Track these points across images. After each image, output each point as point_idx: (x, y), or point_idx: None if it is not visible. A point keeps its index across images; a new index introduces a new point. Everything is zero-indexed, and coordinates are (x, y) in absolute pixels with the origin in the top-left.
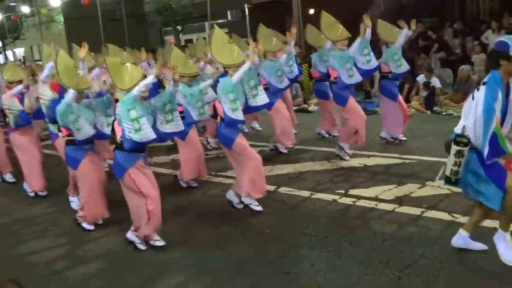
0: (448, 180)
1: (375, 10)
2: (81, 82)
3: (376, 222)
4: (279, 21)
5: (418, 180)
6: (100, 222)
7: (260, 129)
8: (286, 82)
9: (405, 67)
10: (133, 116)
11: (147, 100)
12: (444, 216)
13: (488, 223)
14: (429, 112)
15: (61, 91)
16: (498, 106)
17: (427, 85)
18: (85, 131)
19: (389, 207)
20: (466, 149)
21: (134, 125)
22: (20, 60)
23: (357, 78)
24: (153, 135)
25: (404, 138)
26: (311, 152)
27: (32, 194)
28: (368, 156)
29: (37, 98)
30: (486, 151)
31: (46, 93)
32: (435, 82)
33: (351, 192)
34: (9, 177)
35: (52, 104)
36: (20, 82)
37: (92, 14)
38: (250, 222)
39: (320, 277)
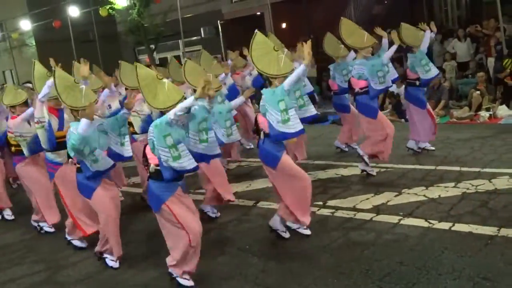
0: None
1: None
2: (87, 99)
3: (355, 232)
4: (252, 36)
5: (394, 188)
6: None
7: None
8: None
9: (434, 71)
10: (170, 143)
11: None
12: (421, 222)
13: (462, 227)
14: (403, 120)
15: (59, 114)
16: None
17: (392, 94)
18: (102, 162)
19: (367, 216)
20: None
21: (172, 153)
22: None
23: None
24: (193, 163)
25: (433, 148)
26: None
27: (52, 229)
28: (345, 167)
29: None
30: None
31: (44, 116)
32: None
33: (329, 203)
34: (7, 214)
35: (49, 128)
36: (25, 104)
37: (64, 37)
38: (229, 238)
39: None
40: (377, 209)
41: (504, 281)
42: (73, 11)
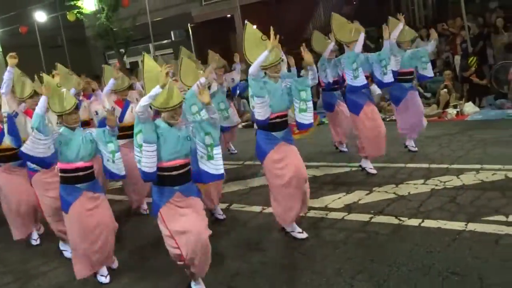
0: None
1: (316, 22)
2: (68, 104)
3: (327, 231)
4: (223, 38)
5: (365, 187)
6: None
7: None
8: None
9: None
10: (140, 141)
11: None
12: (391, 220)
13: (431, 223)
14: None
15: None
16: None
17: None
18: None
19: (338, 215)
20: None
21: (139, 154)
22: None
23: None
24: (153, 169)
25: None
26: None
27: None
28: (317, 167)
29: None
30: None
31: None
32: (374, 89)
33: None
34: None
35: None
36: (34, 96)
37: (32, 42)
38: None
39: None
40: (348, 208)
41: (472, 275)
42: (40, 16)
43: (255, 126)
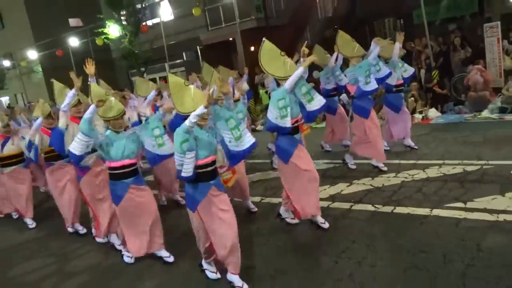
0: None
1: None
2: (111, 110)
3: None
4: (227, 58)
5: (347, 180)
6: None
7: None
8: None
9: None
10: (185, 148)
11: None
12: (368, 207)
13: (402, 209)
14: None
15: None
16: None
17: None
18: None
19: (324, 204)
20: None
21: (184, 158)
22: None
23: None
24: (190, 177)
25: (388, 148)
26: (261, 164)
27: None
28: None
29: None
30: None
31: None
32: (343, 97)
33: None
34: (30, 224)
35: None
36: (49, 118)
37: (67, 63)
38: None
39: (270, 266)
40: (332, 198)
41: (437, 253)
42: (73, 42)
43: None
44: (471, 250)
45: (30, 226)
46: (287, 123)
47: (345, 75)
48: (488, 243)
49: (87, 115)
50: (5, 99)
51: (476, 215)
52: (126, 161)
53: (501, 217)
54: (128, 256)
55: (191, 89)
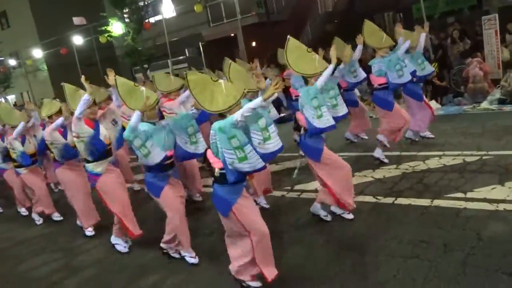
0: None
1: (304, 37)
2: (148, 100)
3: None
4: (229, 54)
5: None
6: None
7: None
8: None
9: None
10: (236, 144)
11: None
12: (370, 199)
13: (403, 201)
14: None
15: (96, 125)
16: None
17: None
18: (154, 156)
19: (313, 196)
20: None
21: (238, 154)
22: (14, 105)
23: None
24: (261, 163)
25: (432, 136)
26: None
27: (91, 233)
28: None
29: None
30: None
31: (84, 130)
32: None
33: (296, 187)
34: (55, 216)
35: (93, 140)
36: (59, 113)
37: (71, 61)
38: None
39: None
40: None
41: (437, 242)
42: (77, 40)
43: (302, 131)
44: (471, 240)
45: (37, 222)
46: (326, 123)
47: (371, 66)
48: (488, 232)
49: (133, 123)
50: (12, 97)
51: (476, 204)
52: (167, 153)
53: (501, 206)
54: (192, 257)
55: (221, 84)
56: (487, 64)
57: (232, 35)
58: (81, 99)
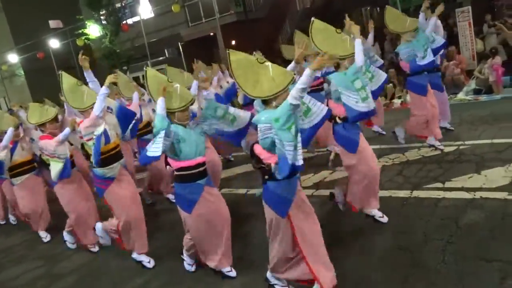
0: None
1: (284, 34)
2: (182, 100)
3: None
4: (209, 54)
5: (329, 168)
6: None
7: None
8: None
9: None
10: (294, 132)
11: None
12: None
13: (384, 193)
14: None
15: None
16: None
17: None
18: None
19: (309, 192)
20: None
21: (297, 143)
22: None
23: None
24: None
25: (452, 128)
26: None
27: (74, 246)
28: None
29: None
30: None
31: (100, 130)
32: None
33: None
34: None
35: (97, 141)
36: (55, 120)
37: (48, 65)
38: None
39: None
40: (316, 186)
41: (418, 232)
42: (54, 43)
43: (337, 121)
44: (450, 228)
45: (44, 240)
46: (371, 105)
47: (398, 52)
48: (466, 220)
49: (160, 111)
50: None
51: (454, 194)
52: (199, 159)
53: (478, 194)
54: (229, 271)
55: (268, 67)
56: (462, 57)
57: (212, 34)
58: (100, 94)
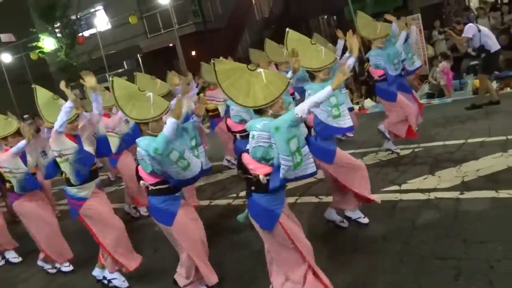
0: None
1: (243, 44)
2: (157, 109)
3: None
4: (168, 65)
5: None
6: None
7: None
8: None
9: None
10: (294, 147)
11: None
12: (313, 199)
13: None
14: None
15: (77, 139)
16: None
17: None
18: (194, 166)
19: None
20: None
21: (294, 159)
22: None
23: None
24: (314, 166)
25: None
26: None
27: (54, 271)
28: None
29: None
30: None
31: (67, 146)
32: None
33: (241, 194)
34: (13, 257)
35: (79, 155)
36: (18, 134)
37: (0, 79)
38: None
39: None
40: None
41: (377, 235)
42: (6, 58)
43: (313, 133)
44: (407, 229)
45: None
46: (346, 123)
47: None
48: (422, 220)
49: (169, 133)
50: None
51: (410, 195)
52: None
53: (432, 195)
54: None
55: (261, 73)
56: None
57: (171, 45)
58: (62, 109)
